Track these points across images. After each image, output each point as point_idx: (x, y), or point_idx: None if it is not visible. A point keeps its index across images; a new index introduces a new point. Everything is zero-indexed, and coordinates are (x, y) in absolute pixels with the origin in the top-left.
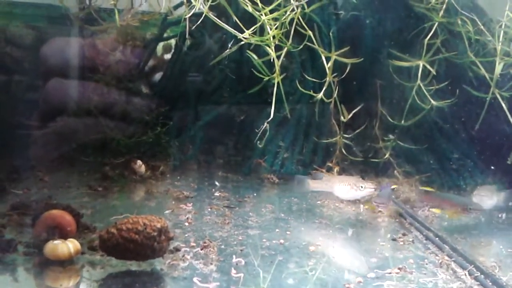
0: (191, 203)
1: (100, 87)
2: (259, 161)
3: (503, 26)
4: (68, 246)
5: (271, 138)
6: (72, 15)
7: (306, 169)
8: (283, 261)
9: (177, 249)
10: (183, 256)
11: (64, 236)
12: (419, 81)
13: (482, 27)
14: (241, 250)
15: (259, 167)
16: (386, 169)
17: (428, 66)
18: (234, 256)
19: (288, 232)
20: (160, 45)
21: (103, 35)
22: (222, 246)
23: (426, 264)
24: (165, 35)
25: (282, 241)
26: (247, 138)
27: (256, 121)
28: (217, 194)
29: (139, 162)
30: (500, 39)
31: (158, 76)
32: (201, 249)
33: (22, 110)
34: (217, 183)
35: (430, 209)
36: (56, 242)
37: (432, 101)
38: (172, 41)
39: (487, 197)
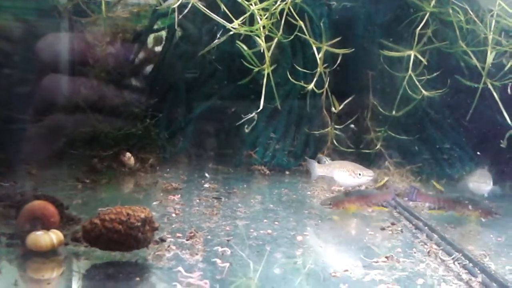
0: (180, 195)
1: (89, 80)
2: (249, 152)
3: (494, 15)
4: (51, 237)
5: (262, 130)
6: (61, 7)
7: (297, 161)
8: (270, 251)
9: (163, 240)
10: (169, 246)
11: (47, 227)
12: (410, 71)
13: (473, 16)
14: (227, 240)
15: (250, 159)
16: (378, 159)
17: (420, 56)
18: (220, 247)
19: (276, 223)
20: (151, 37)
21: (93, 27)
22: (209, 237)
23: (414, 253)
24: (155, 27)
25: (269, 231)
26: (238, 130)
27: (248, 113)
28: (206, 185)
29: (128, 154)
30: (492, 28)
31: (149, 68)
32: (187, 240)
33: (12, 103)
34: (207, 175)
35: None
36: (38, 233)
37: (424, 91)
38: (163, 33)
39: (485, 184)
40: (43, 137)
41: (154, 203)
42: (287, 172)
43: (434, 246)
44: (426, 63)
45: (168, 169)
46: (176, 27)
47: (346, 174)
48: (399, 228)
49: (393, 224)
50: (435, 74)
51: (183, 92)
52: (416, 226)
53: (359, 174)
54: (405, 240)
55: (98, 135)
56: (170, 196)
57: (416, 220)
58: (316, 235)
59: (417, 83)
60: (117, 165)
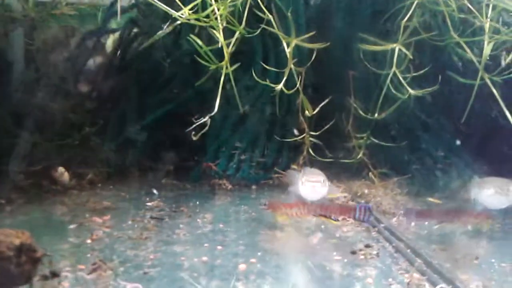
0: (110, 215)
1: (21, 84)
2: (209, 165)
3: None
4: None
5: (225, 139)
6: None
7: (268, 173)
8: (198, 286)
9: (55, 274)
10: (60, 283)
11: None
12: (394, 68)
13: (466, 2)
14: (144, 274)
15: (211, 173)
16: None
17: (405, 50)
18: (129, 283)
19: (219, 247)
20: (110, 40)
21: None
22: (122, 269)
23: (390, 285)
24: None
25: (205, 258)
26: (202, 139)
27: (212, 121)
28: (150, 204)
29: (60, 169)
30: (488, 15)
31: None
32: (89, 274)
33: None
34: (155, 191)
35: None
36: None
37: (410, 90)
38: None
39: (496, 194)
40: None
41: (71, 226)
42: (253, 187)
43: (416, 275)
44: (411, 57)
45: (111, 186)
46: (127, 25)
47: (300, 183)
48: (375, 252)
49: (367, 246)
50: (424, 70)
51: (134, 97)
52: (397, 249)
53: (304, 181)
54: (381, 267)
55: (27, 146)
56: (95, 218)
57: (397, 241)
58: (266, 262)
59: (403, 80)
60: (48, 182)
